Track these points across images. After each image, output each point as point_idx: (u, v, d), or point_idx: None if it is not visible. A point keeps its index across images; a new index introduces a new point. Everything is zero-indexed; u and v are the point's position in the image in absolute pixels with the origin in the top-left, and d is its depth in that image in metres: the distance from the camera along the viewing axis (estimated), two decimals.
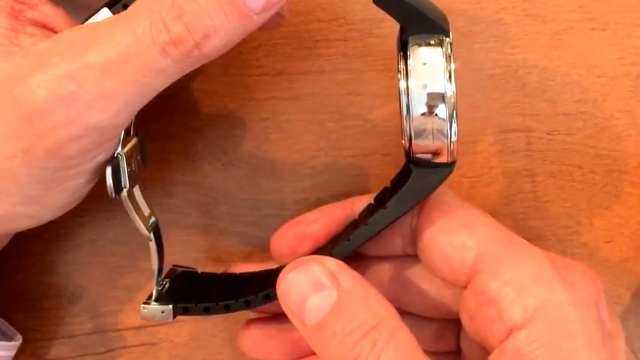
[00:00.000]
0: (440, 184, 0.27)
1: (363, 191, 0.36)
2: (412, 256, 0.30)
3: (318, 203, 0.35)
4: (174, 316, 0.30)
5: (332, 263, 0.27)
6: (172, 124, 0.35)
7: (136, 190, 0.29)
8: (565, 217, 0.36)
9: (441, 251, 0.28)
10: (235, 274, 0.33)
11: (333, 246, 0.29)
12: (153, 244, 0.30)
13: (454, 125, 0.26)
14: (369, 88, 0.35)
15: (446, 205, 0.28)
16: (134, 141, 0.29)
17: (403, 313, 0.31)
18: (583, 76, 0.35)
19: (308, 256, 0.27)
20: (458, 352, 0.31)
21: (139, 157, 0.30)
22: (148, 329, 0.35)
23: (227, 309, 0.29)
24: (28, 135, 0.25)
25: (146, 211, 0.30)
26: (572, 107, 0.35)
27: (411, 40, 0.26)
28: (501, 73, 0.35)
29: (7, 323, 0.32)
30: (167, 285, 0.31)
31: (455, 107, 0.26)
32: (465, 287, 0.27)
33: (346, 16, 0.35)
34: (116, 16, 0.25)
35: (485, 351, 0.27)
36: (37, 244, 0.35)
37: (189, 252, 0.35)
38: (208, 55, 0.24)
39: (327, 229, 0.31)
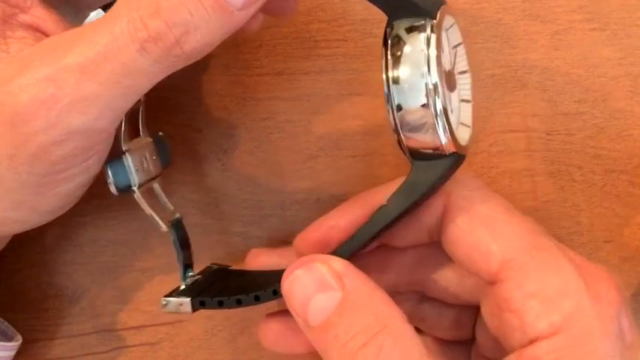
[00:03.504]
0: (441, 177, 0.26)
1: (363, 191, 0.36)
2: (437, 242, 0.29)
3: (318, 203, 0.35)
4: (192, 310, 0.30)
5: (338, 263, 0.26)
6: (172, 124, 0.35)
7: (156, 188, 0.30)
8: (565, 217, 0.36)
9: (465, 253, 0.27)
10: (262, 270, 0.32)
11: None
12: (175, 240, 0.30)
13: (440, 113, 0.25)
14: (369, 88, 0.35)
15: (470, 202, 0.27)
16: (145, 141, 0.29)
17: (424, 298, 0.32)
18: (583, 76, 0.35)
19: (313, 255, 0.27)
20: (472, 340, 0.31)
21: (154, 157, 0.30)
22: (148, 329, 0.35)
23: (239, 303, 0.29)
24: (13, 140, 0.24)
25: (167, 207, 0.30)
26: (572, 107, 0.35)
27: (392, 27, 0.25)
28: (501, 73, 0.35)
29: (6, 323, 0.32)
30: (197, 280, 0.31)
31: (443, 93, 0.25)
32: (489, 283, 0.27)
33: (346, 16, 0.35)
34: (100, 18, 0.25)
35: (499, 343, 0.27)
36: (37, 244, 0.35)
37: None
38: (190, 53, 0.24)
39: (351, 229, 0.30)
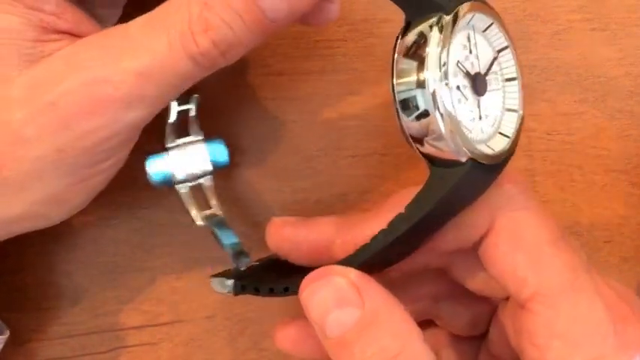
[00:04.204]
0: (458, 185, 0.24)
1: (363, 191, 0.36)
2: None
3: (318, 203, 0.35)
4: (235, 293, 0.30)
5: (358, 278, 0.25)
6: None
7: (204, 185, 0.31)
8: (565, 217, 0.36)
9: (500, 272, 0.27)
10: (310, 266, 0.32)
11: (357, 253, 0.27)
12: (216, 231, 0.31)
13: (444, 117, 0.23)
14: (369, 88, 0.35)
15: (517, 225, 0.26)
16: (193, 140, 0.31)
17: (440, 296, 0.31)
18: (583, 76, 0.35)
19: (333, 267, 0.26)
20: (484, 335, 0.31)
21: (203, 156, 0.31)
22: (148, 329, 0.35)
23: (270, 291, 0.29)
24: (64, 137, 0.25)
25: (211, 205, 0.31)
26: (572, 107, 0.35)
27: (405, 26, 0.24)
28: None
29: None
30: (253, 266, 0.31)
31: (450, 96, 0.23)
32: (517, 305, 0.26)
33: (347, 16, 0.35)
34: (144, 19, 0.26)
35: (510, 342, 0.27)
36: (37, 244, 0.35)
37: (190, 252, 0.35)
38: (231, 60, 0.26)
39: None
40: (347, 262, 0.26)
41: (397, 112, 0.24)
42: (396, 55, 0.24)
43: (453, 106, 0.24)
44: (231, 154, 0.35)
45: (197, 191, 0.30)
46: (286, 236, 0.31)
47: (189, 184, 0.30)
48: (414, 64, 0.24)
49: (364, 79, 0.35)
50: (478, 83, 0.25)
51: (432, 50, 0.23)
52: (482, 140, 0.25)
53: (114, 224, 0.35)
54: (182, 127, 0.31)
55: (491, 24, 0.26)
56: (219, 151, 0.31)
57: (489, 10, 0.26)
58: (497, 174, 0.26)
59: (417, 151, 0.25)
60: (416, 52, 0.24)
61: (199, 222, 0.30)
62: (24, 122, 0.25)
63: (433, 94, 0.23)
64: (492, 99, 0.26)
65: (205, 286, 0.35)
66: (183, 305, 0.35)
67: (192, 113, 0.31)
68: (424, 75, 0.23)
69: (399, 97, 0.24)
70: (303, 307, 0.26)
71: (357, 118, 0.35)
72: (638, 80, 0.35)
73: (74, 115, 0.25)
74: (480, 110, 0.25)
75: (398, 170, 0.35)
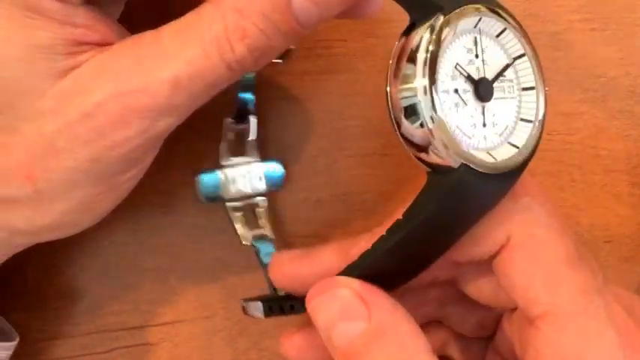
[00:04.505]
0: (452, 191, 0.24)
1: (363, 191, 0.36)
2: None
3: (319, 203, 0.35)
4: (264, 314, 0.30)
5: (364, 289, 0.25)
6: None
7: (257, 207, 0.31)
8: (565, 217, 0.36)
9: (511, 287, 0.26)
10: None
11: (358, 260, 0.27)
12: (259, 252, 0.32)
13: (432, 120, 0.23)
14: (369, 88, 0.35)
15: (534, 242, 0.26)
16: (249, 160, 0.31)
17: (449, 301, 0.31)
18: (583, 76, 0.35)
19: (338, 278, 0.26)
20: (491, 336, 0.31)
21: (258, 178, 0.32)
22: (148, 329, 0.35)
23: (291, 309, 0.29)
24: (98, 147, 0.25)
25: (261, 225, 0.32)
26: (572, 107, 0.35)
27: (409, 30, 0.24)
28: None
29: (4, 320, 0.32)
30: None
31: (439, 101, 0.23)
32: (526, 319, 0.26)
33: None
34: (176, 28, 0.26)
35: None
36: (38, 244, 0.35)
37: (189, 252, 0.35)
38: (261, 65, 0.26)
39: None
40: (348, 271, 0.26)
41: (389, 113, 0.24)
42: (391, 57, 0.24)
43: (442, 110, 0.23)
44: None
45: (247, 211, 0.31)
46: (290, 274, 0.30)
47: (240, 202, 0.30)
48: (406, 64, 0.24)
49: (364, 79, 0.35)
50: (482, 89, 0.25)
51: (421, 52, 0.23)
52: (485, 148, 0.25)
53: (115, 225, 0.35)
54: (237, 147, 0.32)
55: (504, 30, 0.25)
56: (276, 175, 0.31)
57: (503, 16, 0.25)
58: (507, 185, 0.25)
59: (412, 155, 0.24)
60: (409, 53, 0.24)
61: (245, 242, 0.31)
62: (57, 133, 0.25)
63: (420, 96, 0.23)
64: (503, 107, 0.25)
65: (205, 286, 0.35)
66: (183, 305, 0.35)
67: (251, 136, 0.32)
68: (414, 77, 0.23)
69: (391, 98, 0.24)
70: (311, 316, 0.26)
71: (357, 118, 0.35)
72: (638, 80, 0.35)
73: (109, 125, 0.25)
74: (484, 117, 0.25)
75: (398, 170, 0.35)
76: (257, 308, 0.30)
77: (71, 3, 0.25)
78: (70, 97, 0.25)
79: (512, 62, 0.26)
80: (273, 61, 0.29)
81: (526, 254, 0.26)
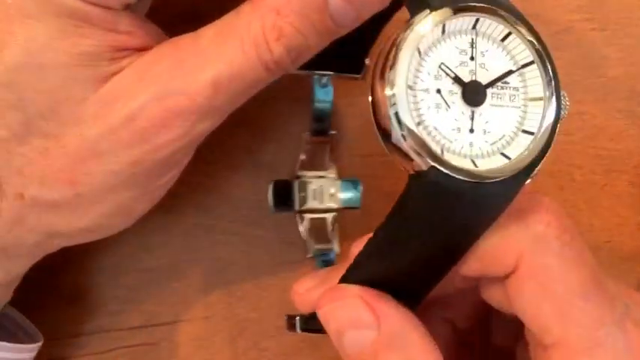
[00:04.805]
0: (421, 192, 0.23)
1: (363, 191, 0.36)
2: None
3: None
4: (301, 329, 0.29)
5: (373, 297, 0.25)
6: None
7: (327, 221, 0.31)
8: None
9: (522, 312, 0.25)
10: None
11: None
12: (321, 265, 0.31)
13: (396, 119, 0.22)
14: (369, 88, 0.35)
15: (547, 274, 0.25)
16: (325, 174, 0.32)
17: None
18: (583, 76, 0.35)
19: (346, 287, 0.26)
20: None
21: (332, 192, 0.32)
22: (148, 329, 0.35)
23: (315, 320, 0.27)
24: (139, 150, 0.25)
25: (332, 239, 0.31)
26: (572, 107, 0.35)
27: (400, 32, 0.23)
28: None
29: (28, 321, 0.32)
30: None
31: (412, 103, 0.22)
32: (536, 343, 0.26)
33: None
34: (215, 30, 0.26)
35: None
36: None
37: (190, 252, 0.35)
38: (298, 65, 0.26)
39: None
40: (346, 274, 0.26)
41: (370, 107, 0.24)
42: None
43: (416, 109, 0.22)
44: (232, 154, 0.34)
45: (315, 224, 0.31)
46: (312, 301, 0.29)
47: (312, 215, 0.30)
48: (381, 58, 0.23)
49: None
50: (469, 92, 0.23)
51: (399, 47, 0.22)
52: (469, 154, 0.23)
53: None
54: (314, 160, 0.32)
55: (509, 34, 0.24)
56: (353, 194, 0.31)
57: (507, 19, 0.24)
58: (495, 196, 0.23)
59: (389, 155, 0.23)
60: (387, 47, 0.23)
61: (310, 254, 0.31)
62: (100, 137, 0.25)
63: (387, 91, 0.22)
64: (500, 115, 0.24)
65: (205, 286, 0.35)
66: (183, 305, 0.35)
67: (329, 151, 0.32)
68: (386, 71, 0.23)
69: (372, 91, 0.23)
70: (322, 322, 0.26)
71: (358, 118, 0.35)
72: (638, 80, 0.35)
73: (151, 128, 0.25)
74: (472, 122, 0.23)
75: (398, 170, 0.35)
76: (295, 324, 0.29)
77: (115, 10, 0.25)
78: (112, 101, 0.25)
79: (518, 69, 0.24)
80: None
81: (536, 285, 0.25)
